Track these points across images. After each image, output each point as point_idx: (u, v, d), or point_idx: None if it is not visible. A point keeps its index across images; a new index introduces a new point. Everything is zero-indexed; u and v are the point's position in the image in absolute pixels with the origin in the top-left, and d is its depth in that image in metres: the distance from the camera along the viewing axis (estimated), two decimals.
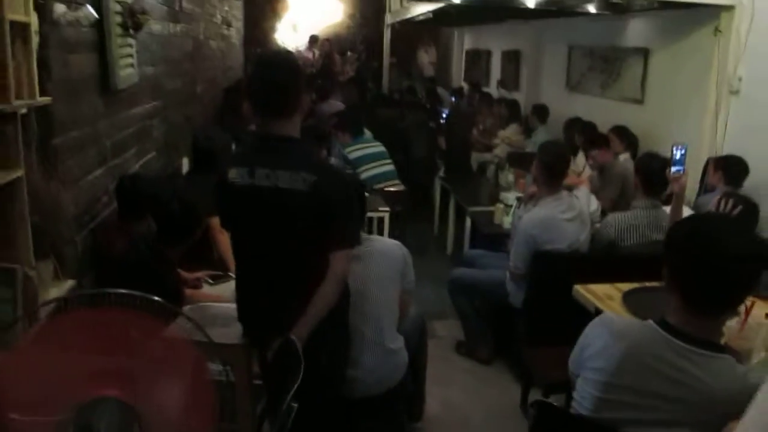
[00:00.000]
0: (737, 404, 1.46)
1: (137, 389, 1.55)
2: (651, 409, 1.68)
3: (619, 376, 1.72)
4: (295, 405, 1.87)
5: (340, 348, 2.66)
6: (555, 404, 1.90)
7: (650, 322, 1.75)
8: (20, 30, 2.26)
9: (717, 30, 5.14)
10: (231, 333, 2.57)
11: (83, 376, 1.55)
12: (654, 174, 3.74)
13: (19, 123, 2.25)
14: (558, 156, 3.88)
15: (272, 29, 13.81)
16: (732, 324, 2.20)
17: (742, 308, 2.18)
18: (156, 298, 1.67)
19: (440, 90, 11.78)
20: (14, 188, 2.23)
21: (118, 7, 3.35)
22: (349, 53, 13.02)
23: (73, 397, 1.51)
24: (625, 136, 5.86)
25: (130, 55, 3.65)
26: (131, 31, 3.52)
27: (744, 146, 4.78)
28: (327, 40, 13.18)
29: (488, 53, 11.38)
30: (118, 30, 3.36)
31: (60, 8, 2.63)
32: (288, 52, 2.60)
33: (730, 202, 3.43)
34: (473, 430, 3.71)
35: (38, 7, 2.47)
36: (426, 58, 14.25)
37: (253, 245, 2.47)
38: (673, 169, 3.32)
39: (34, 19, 2.39)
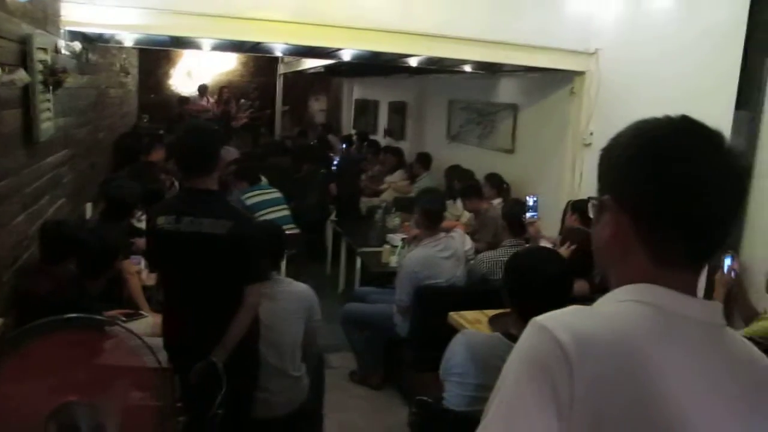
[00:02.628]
0: None
1: (91, 391, 1.93)
2: None
3: (475, 377, 2.25)
4: (221, 412, 2.27)
5: (251, 372, 3.06)
6: (430, 401, 2.40)
7: (497, 333, 2.30)
8: None
9: (572, 91, 5.96)
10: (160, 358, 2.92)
11: (45, 392, 1.91)
12: (517, 218, 4.37)
13: None
14: (436, 203, 4.47)
15: (167, 75, 14.00)
16: None
17: None
18: (100, 317, 2.05)
19: (331, 137, 12.28)
20: None
21: (40, 66, 3.67)
22: (242, 100, 13.36)
23: (43, 409, 1.87)
24: (497, 183, 6.56)
25: (49, 109, 3.95)
26: (51, 88, 3.83)
27: (596, 190, 5.53)
28: (225, 87, 13.47)
29: (376, 103, 12.05)
30: (41, 87, 3.67)
31: None
32: (207, 123, 3.07)
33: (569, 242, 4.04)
34: None
35: None
36: (317, 105, 14.81)
37: (178, 281, 2.87)
38: (528, 215, 3.98)
39: None
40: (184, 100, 12.73)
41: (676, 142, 1.00)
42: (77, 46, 4.45)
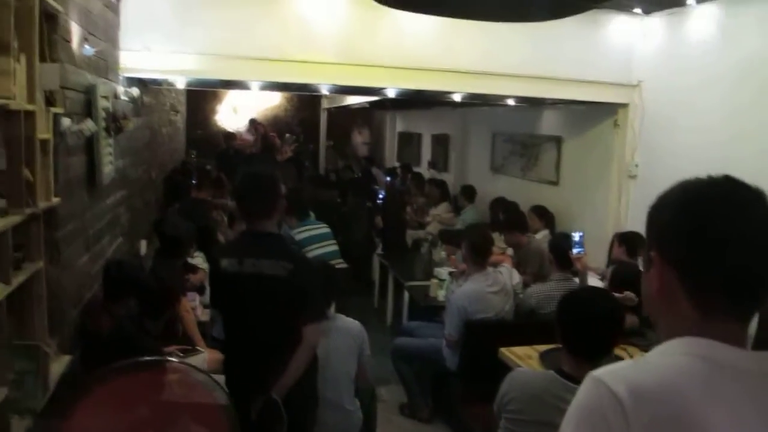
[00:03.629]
0: None
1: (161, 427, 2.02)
2: None
3: (528, 413, 2.28)
4: None
5: (309, 408, 3.13)
6: None
7: (551, 371, 2.34)
8: (43, 145, 2.76)
9: (616, 123, 5.99)
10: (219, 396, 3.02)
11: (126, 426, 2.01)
12: (564, 252, 4.39)
13: (42, 222, 2.72)
14: (483, 238, 4.52)
15: (213, 111, 14.35)
16: None
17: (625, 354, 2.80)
18: (166, 358, 2.15)
19: (375, 170, 12.42)
20: (35, 277, 2.68)
21: (103, 114, 3.86)
22: (287, 135, 13.60)
23: None
24: (543, 215, 6.57)
25: (110, 153, 4.13)
26: (112, 134, 4.01)
27: (642, 222, 5.51)
28: (260, 123, 13.75)
29: (419, 136, 12.17)
30: (103, 133, 3.86)
31: (66, 122, 3.12)
32: (269, 169, 3.20)
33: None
34: None
35: None
36: (360, 138, 14.98)
37: (241, 320, 2.97)
38: (575, 250, 4.01)
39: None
40: (230, 136, 13.04)
41: (717, 202, 1.06)
42: (135, 92, 4.66)
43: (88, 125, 3.24)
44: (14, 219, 2.38)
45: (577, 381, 2.21)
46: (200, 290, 5.04)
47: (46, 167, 2.81)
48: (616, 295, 3.74)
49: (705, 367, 1.02)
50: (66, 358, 3.16)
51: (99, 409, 2.04)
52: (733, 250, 1.02)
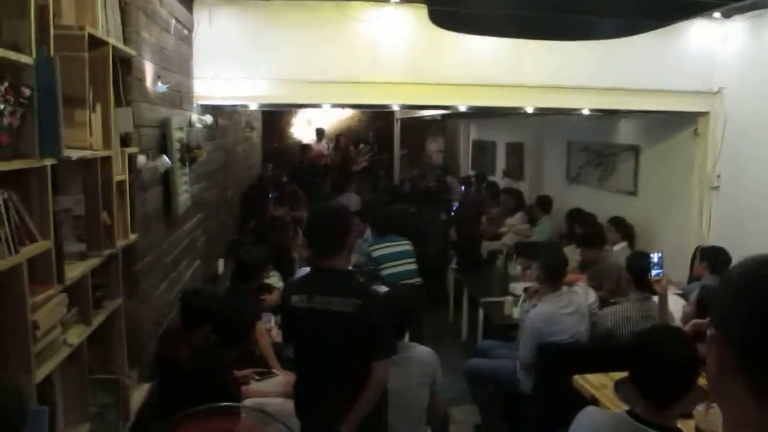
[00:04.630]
0: None
1: None
2: None
3: None
4: None
5: None
6: None
7: (623, 412, 2.27)
8: (120, 186, 2.87)
9: (696, 132, 5.77)
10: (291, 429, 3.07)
11: None
12: (642, 271, 4.25)
13: (120, 260, 2.82)
14: (558, 260, 4.44)
15: (288, 124, 14.62)
16: (700, 408, 2.69)
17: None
18: (239, 405, 2.19)
19: (449, 178, 12.37)
20: (115, 314, 2.78)
21: (177, 146, 3.98)
22: (361, 145, 13.71)
23: None
24: (621, 227, 6.40)
25: (186, 182, 4.26)
26: (187, 164, 4.14)
27: (726, 236, 5.34)
28: (341, 135, 13.90)
29: (493, 144, 12.04)
30: (178, 164, 3.98)
31: (142, 160, 3.23)
32: (337, 205, 3.25)
33: None
34: None
35: None
36: (434, 147, 14.98)
37: (310, 355, 3.02)
38: (654, 272, 3.88)
39: None
40: (305, 148, 13.23)
41: None
42: (209, 119, 4.79)
43: (163, 162, 3.35)
44: (93, 262, 2.48)
45: (650, 424, 2.16)
46: (275, 311, 5.12)
47: (123, 206, 2.92)
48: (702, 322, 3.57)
49: None
50: (146, 387, 3.28)
51: None
52: None
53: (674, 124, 6.12)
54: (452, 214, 9.63)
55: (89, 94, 2.40)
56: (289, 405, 3.68)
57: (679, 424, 2.31)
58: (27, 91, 1.89)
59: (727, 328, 1.03)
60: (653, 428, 2.18)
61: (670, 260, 5.70)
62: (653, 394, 2.18)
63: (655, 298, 4.25)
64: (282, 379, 4.20)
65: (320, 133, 13.86)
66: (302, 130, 14.64)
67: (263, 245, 5.19)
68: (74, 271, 2.30)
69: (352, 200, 9.97)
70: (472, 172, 12.79)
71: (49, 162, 2.05)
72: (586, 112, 6.88)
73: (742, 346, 1.00)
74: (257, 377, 4.13)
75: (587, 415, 2.40)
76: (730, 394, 1.03)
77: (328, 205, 3.98)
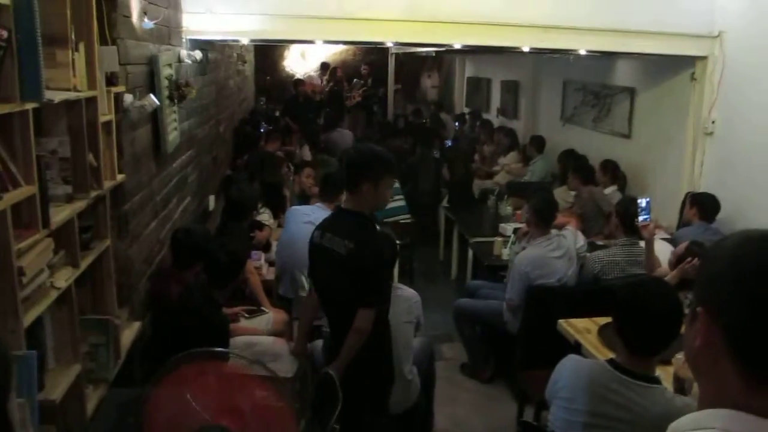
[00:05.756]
0: (666, 421, 2.00)
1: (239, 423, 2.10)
2: (603, 428, 2.24)
3: (579, 403, 2.28)
4: (337, 427, 2.42)
5: (385, 381, 3.19)
6: (535, 424, 2.45)
7: (603, 361, 2.31)
8: (106, 127, 2.83)
9: (693, 77, 5.69)
10: (281, 367, 3.13)
11: (205, 409, 2.10)
12: (630, 216, 4.27)
13: (108, 201, 2.81)
14: (548, 203, 4.45)
15: (281, 57, 14.39)
16: (679, 357, 2.73)
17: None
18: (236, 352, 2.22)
19: (443, 115, 12.28)
20: (104, 255, 2.79)
21: (166, 82, 3.92)
22: (355, 80, 13.55)
23: (196, 422, 2.06)
24: (612, 170, 6.40)
25: (175, 120, 4.21)
26: (176, 101, 4.08)
27: (718, 182, 5.34)
28: (338, 68, 13.71)
29: (488, 81, 11.88)
30: (167, 102, 3.93)
31: (129, 98, 3.18)
32: (366, 147, 3.22)
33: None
34: None
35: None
36: (429, 82, 14.80)
37: (320, 289, 3.16)
38: (641, 218, 3.89)
39: None
40: (299, 82, 13.08)
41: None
42: (199, 54, 4.70)
43: (150, 101, 3.30)
44: (80, 205, 2.47)
45: (631, 374, 2.20)
46: (266, 248, 5.15)
47: (110, 147, 2.89)
48: (687, 267, 3.60)
49: None
50: (137, 325, 3.32)
51: (177, 381, 2.13)
52: None
53: (671, 68, 6.04)
54: (445, 150, 9.58)
55: (71, 33, 2.34)
56: (280, 344, 3.75)
57: (658, 371, 2.36)
58: (4, 33, 1.84)
59: (720, 309, 1.00)
60: (634, 377, 2.22)
61: (661, 205, 5.75)
62: (637, 346, 2.21)
63: (642, 243, 4.28)
64: (272, 316, 4.25)
65: (325, 67, 13.69)
66: (296, 63, 14.43)
67: (255, 182, 5.17)
68: (60, 214, 2.29)
69: (345, 136, 9.91)
70: (466, 110, 12.69)
71: (30, 106, 2.01)
72: (582, 52, 6.80)
73: (736, 330, 0.97)
74: (247, 315, 4.18)
75: (569, 362, 2.44)
76: (712, 371, 1.02)
77: (357, 146, 3.92)
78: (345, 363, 2.87)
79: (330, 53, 14.37)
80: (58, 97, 2.16)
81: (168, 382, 2.06)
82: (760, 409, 0.95)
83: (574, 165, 6.72)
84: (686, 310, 1.07)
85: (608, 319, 3.58)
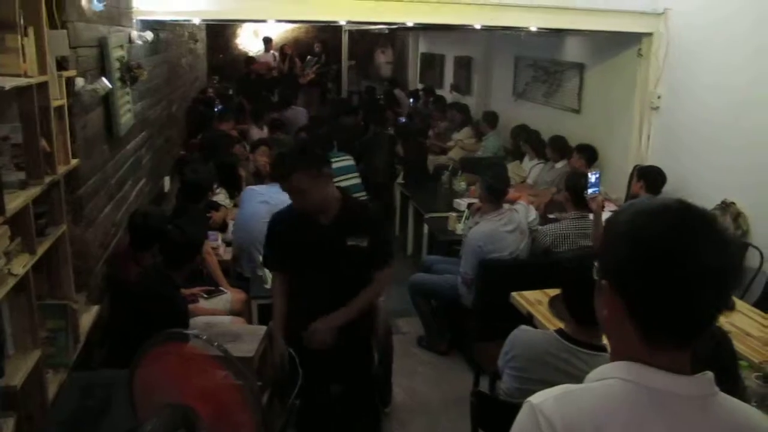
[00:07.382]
0: None
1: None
2: None
3: (530, 371, 2.39)
4: (297, 402, 2.48)
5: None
6: (488, 394, 2.55)
7: (552, 331, 2.42)
8: (58, 111, 2.82)
9: (639, 53, 5.85)
10: (242, 347, 3.16)
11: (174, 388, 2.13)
12: (580, 191, 4.39)
13: (62, 186, 2.81)
14: (499, 179, 4.54)
15: (234, 35, 14.22)
16: None
17: None
18: (187, 332, 2.25)
19: (397, 92, 12.30)
20: (60, 240, 2.79)
21: (117, 64, 3.89)
22: (309, 57, 13.47)
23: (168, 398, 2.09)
24: (560, 146, 6.56)
25: (128, 102, 4.19)
26: (128, 83, 4.05)
27: (664, 155, 5.51)
28: (287, 46, 13.59)
29: (442, 57, 11.93)
30: (119, 84, 3.90)
31: (80, 82, 3.16)
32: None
33: None
34: (433, 413, 4.32)
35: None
36: (383, 58, 14.79)
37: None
38: (590, 190, 4.02)
39: None
40: (251, 60, 12.94)
41: (668, 235, 1.06)
42: (149, 35, 4.65)
43: (102, 84, 3.29)
44: (34, 191, 2.47)
45: (577, 342, 2.31)
46: (222, 228, 5.15)
47: (62, 132, 2.89)
48: None
49: (641, 393, 1.08)
50: (95, 309, 3.33)
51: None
52: (682, 288, 1.04)
53: (619, 44, 6.18)
54: (399, 127, 9.61)
55: (19, 18, 2.32)
56: (239, 323, 3.79)
57: (605, 339, 2.48)
58: None
59: (619, 284, 1.12)
60: (579, 346, 2.34)
61: (611, 178, 5.92)
62: (583, 316, 2.32)
63: (592, 216, 4.41)
64: (230, 296, 4.28)
65: (268, 41, 13.50)
66: (249, 41, 14.28)
67: (209, 162, 5.16)
68: (15, 201, 2.29)
69: (299, 114, 9.88)
70: (420, 86, 12.72)
71: None
72: (533, 29, 6.90)
73: (633, 299, 1.10)
74: (205, 295, 4.21)
75: (520, 333, 2.55)
76: (619, 333, 1.16)
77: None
78: (351, 315, 2.99)
79: (283, 31, 14.24)
80: (9, 83, 2.15)
81: (148, 362, 2.09)
82: (656, 361, 1.10)
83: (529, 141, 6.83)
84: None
85: (558, 291, 3.72)
